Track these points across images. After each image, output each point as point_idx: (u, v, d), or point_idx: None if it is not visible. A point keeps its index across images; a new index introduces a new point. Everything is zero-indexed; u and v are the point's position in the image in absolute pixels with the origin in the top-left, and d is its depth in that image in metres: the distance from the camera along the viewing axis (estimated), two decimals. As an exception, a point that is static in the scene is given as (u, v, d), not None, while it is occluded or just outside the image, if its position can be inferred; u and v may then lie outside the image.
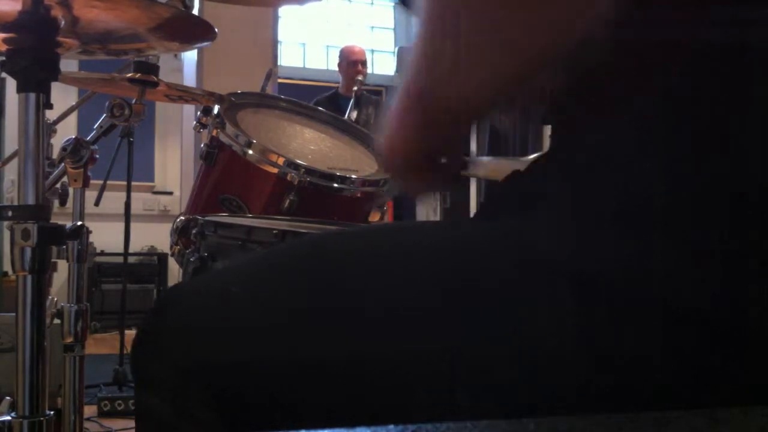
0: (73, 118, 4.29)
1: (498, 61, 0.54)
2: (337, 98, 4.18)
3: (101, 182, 2.95)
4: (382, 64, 6.74)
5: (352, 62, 4.37)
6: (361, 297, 0.55)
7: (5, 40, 1.03)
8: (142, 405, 0.64)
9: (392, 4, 7.01)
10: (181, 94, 1.83)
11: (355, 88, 4.20)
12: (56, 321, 1.31)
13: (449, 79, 0.57)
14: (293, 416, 0.55)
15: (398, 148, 0.64)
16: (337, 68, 4.57)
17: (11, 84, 1.34)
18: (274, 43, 5.01)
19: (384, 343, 0.52)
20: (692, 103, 0.49)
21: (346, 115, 3.68)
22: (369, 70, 4.45)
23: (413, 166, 0.65)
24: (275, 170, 1.58)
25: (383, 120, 0.65)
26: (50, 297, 1.17)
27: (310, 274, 0.59)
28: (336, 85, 4.58)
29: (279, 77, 5.30)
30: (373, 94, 4.63)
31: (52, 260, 1.07)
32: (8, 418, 1.03)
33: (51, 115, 1.27)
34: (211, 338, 0.60)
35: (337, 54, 4.60)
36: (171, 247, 1.62)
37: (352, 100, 4.02)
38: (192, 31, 1.22)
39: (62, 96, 3.87)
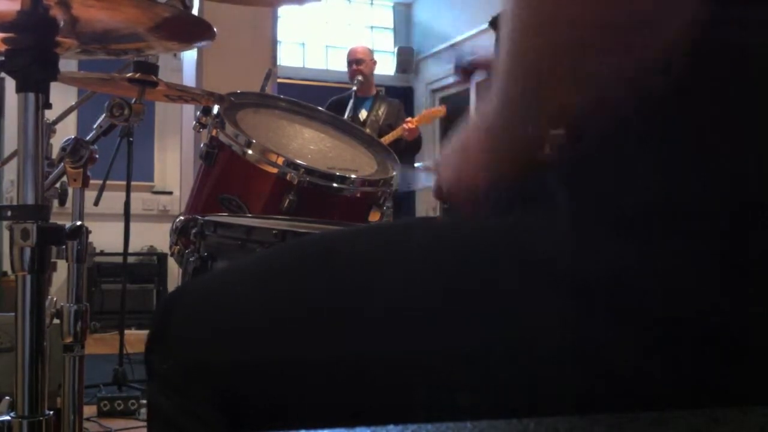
0: (72, 118, 4.28)
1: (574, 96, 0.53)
2: (348, 98, 4.18)
3: (101, 182, 2.95)
4: (382, 64, 6.75)
5: (347, 63, 4.41)
6: (362, 298, 0.55)
7: (4, 40, 1.03)
8: (151, 403, 0.65)
9: (392, 4, 7.01)
10: (180, 94, 1.83)
11: (355, 87, 4.21)
12: (56, 321, 1.31)
13: (528, 117, 0.56)
14: (294, 416, 0.55)
15: (465, 181, 0.63)
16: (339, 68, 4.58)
17: (11, 84, 1.34)
18: (274, 43, 5.01)
19: (384, 343, 0.52)
20: (693, 104, 0.49)
21: (347, 114, 3.69)
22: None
23: (478, 200, 0.64)
24: (275, 170, 1.57)
25: (448, 149, 0.64)
26: (50, 297, 1.17)
27: (311, 276, 0.59)
28: (344, 85, 4.61)
29: (279, 77, 5.30)
30: (385, 95, 4.63)
31: (52, 260, 1.06)
32: (8, 417, 1.03)
33: (50, 115, 1.27)
34: (215, 339, 0.60)
35: (337, 54, 4.61)
36: (170, 247, 1.61)
37: (351, 100, 4.02)
38: (191, 30, 1.22)
39: (62, 96, 3.87)
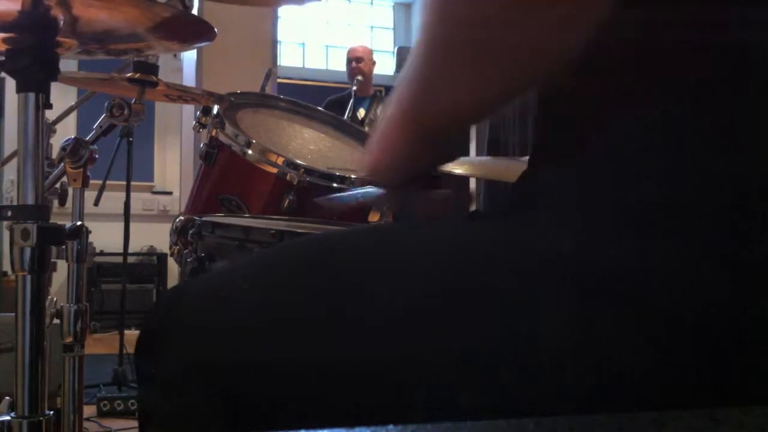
0: (72, 118, 4.29)
1: (491, 75, 0.54)
2: (347, 98, 4.19)
3: (101, 182, 2.95)
4: (382, 64, 6.75)
5: (347, 61, 4.41)
6: (362, 297, 0.55)
7: (5, 40, 1.03)
8: (144, 405, 0.64)
9: (392, 4, 7.01)
10: (180, 94, 1.83)
11: (354, 87, 4.21)
12: (56, 321, 1.31)
13: (442, 94, 0.57)
14: (294, 416, 0.55)
15: (386, 164, 0.65)
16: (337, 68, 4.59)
17: (11, 84, 1.34)
18: (274, 43, 5.01)
19: (384, 343, 0.52)
20: (693, 103, 0.49)
21: (346, 114, 3.69)
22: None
23: (400, 180, 0.67)
24: (274, 170, 1.58)
25: (374, 131, 0.66)
26: (50, 297, 1.17)
27: (311, 275, 0.59)
28: (344, 85, 4.62)
29: (278, 77, 5.30)
30: (383, 95, 4.64)
31: (52, 260, 1.06)
32: (8, 418, 1.03)
33: (50, 115, 1.27)
34: (212, 338, 0.60)
35: (337, 54, 4.62)
36: (170, 247, 1.61)
37: (351, 100, 4.02)
38: (191, 30, 1.22)
39: (62, 96, 3.88)
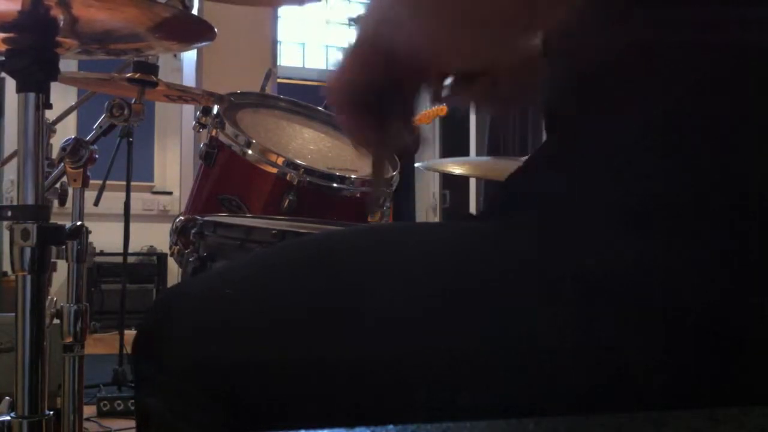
0: (72, 118, 4.28)
1: (461, 17, 0.54)
2: None
3: (101, 182, 2.95)
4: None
5: None
6: (361, 297, 0.55)
7: (5, 40, 1.03)
8: (141, 405, 0.64)
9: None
10: (180, 94, 1.83)
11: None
12: (56, 321, 1.31)
13: (406, 25, 0.57)
14: (293, 416, 0.55)
15: (343, 81, 0.65)
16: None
17: (11, 84, 1.34)
18: (274, 43, 5.01)
19: (384, 343, 0.52)
20: (693, 103, 0.49)
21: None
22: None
23: (356, 104, 0.66)
24: (274, 170, 1.58)
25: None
26: (50, 297, 1.17)
27: (309, 275, 0.59)
28: None
29: (278, 77, 5.30)
30: None
31: (52, 260, 1.06)
32: (8, 418, 1.03)
33: (50, 115, 1.27)
34: (210, 339, 0.60)
35: (337, 54, 4.60)
36: (170, 247, 1.61)
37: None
38: (191, 30, 1.22)
39: (62, 96, 3.87)
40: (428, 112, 4.40)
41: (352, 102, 0.66)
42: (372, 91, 0.64)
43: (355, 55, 0.63)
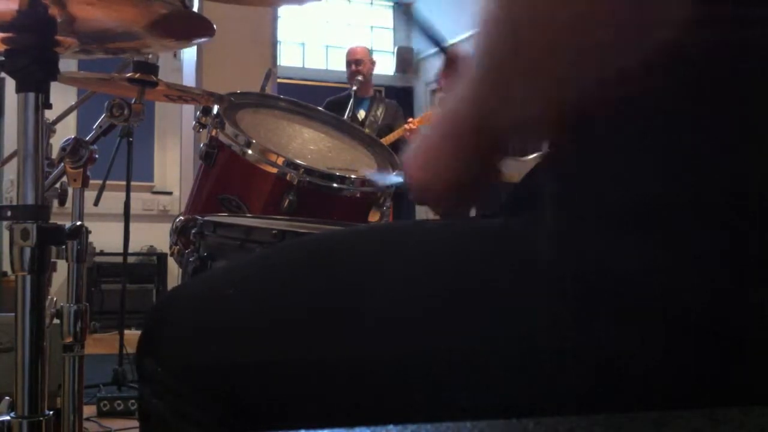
0: (72, 118, 4.29)
1: (550, 92, 0.53)
2: (346, 98, 4.18)
3: (101, 182, 2.95)
4: (382, 64, 6.75)
5: (347, 63, 4.41)
6: (361, 298, 0.55)
7: (4, 40, 1.03)
8: (143, 405, 0.64)
9: (392, 4, 7.01)
10: (180, 94, 1.83)
11: (354, 87, 4.21)
12: (55, 321, 1.31)
13: (499, 109, 0.56)
14: (293, 416, 0.55)
15: (436, 178, 0.63)
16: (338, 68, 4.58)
17: (11, 84, 1.34)
18: (274, 43, 5.01)
19: (383, 343, 0.52)
20: (692, 103, 0.49)
21: (346, 114, 3.69)
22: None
23: (452, 195, 0.64)
24: (274, 170, 1.57)
25: (414, 145, 0.65)
26: (49, 297, 1.17)
27: (310, 276, 0.59)
28: (344, 85, 4.61)
29: (278, 77, 5.30)
30: (383, 96, 4.63)
31: (52, 260, 1.06)
32: (7, 418, 1.03)
33: (50, 115, 1.26)
34: (211, 339, 0.60)
35: (337, 54, 4.61)
36: (170, 247, 1.61)
37: (351, 100, 4.02)
38: (190, 27, 1.22)
39: (61, 96, 3.88)
40: (430, 114, 4.39)
41: (452, 195, 0.64)
42: (469, 177, 0.62)
43: (445, 143, 0.61)
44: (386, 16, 7.05)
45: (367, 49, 4.56)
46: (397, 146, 3.84)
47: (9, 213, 1.03)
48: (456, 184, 0.63)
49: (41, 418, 1.02)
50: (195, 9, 1.43)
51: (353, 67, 4.34)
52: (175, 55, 5.37)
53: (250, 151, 1.60)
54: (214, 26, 1.15)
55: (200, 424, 0.57)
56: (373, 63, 4.49)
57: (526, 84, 0.53)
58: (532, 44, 0.51)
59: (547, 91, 0.53)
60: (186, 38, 1.31)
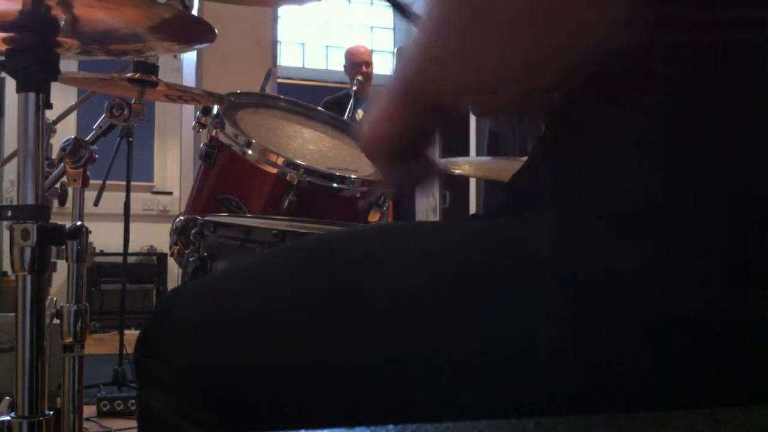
0: (72, 118, 4.28)
1: (497, 59, 0.54)
2: (344, 98, 4.18)
3: (101, 182, 2.95)
4: (382, 64, 6.74)
5: (355, 63, 4.38)
6: (361, 298, 0.55)
7: (5, 40, 1.03)
8: (143, 405, 0.65)
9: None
10: (180, 94, 1.83)
11: (355, 87, 4.21)
12: (56, 321, 1.31)
13: (441, 70, 0.58)
14: (293, 416, 0.55)
15: (380, 137, 0.66)
16: (343, 69, 4.57)
17: (11, 84, 1.34)
18: (274, 43, 5.01)
19: (384, 343, 0.52)
20: (691, 104, 0.49)
21: (346, 114, 3.69)
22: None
23: (395, 155, 0.68)
24: (274, 170, 1.57)
25: (369, 107, 0.67)
26: (50, 297, 1.17)
27: (310, 276, 0.59)
28: (343, 85, 4.60)
29: (278, 77, 5.30)
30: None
31: (52, 260, 1.06)
32: (7, 418, 1.03)
33: (50, 115, 1.27)
34: (212, 340, 0.60)
35: (337, 54, 4.60)
36: (170, 247, 1.61)
37: (351, 100, 4.02)
38: (191, 31, 1.22)
39: (62, 96, 3.87)
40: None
41: (389, 155, 0.68)
42: (403, 140, 0.66)
43: (397, 104, 0.64)
44: (386, 16, 7.05)
45: (369, 50, 4.56)
46: None
47: (9, 213, 1.03)
48: (396, 138, 0.66)
49: (41, 418, 1.02)
50: (195, 9, 1.43)
51: (363, 68, 4.32)
52: (175, 55, 5.38)
53: (250, 151, 1.60)
54: (215, 29, 1.16)
55: (201, 423, 0.57)
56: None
57: (474, 42, 0.54)
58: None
59: (500, 54, 0.54)
60: (187, 42, 1.32)
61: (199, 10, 3.71)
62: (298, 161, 1.58)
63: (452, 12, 0.55)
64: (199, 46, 1.54)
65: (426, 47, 0.58)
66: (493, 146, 4.81)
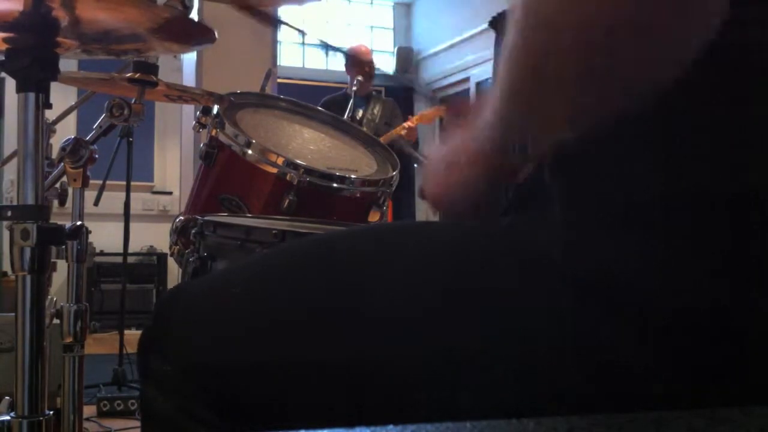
0: (72, 118, 4.28)
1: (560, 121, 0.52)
2: (342, 97, 4.18)
3: (101, 182, 2.95)
4: (382, 65, 6.74)
5: (359, 63, 4.36)
6: (362, 298, 0.55)
7: (5, 40, 1.03)
8: (146, 404, 0.65)
9: (392, 4, 7.01)
10: (180, 94, 1.83)
11: (355, 88, 4.21)
12: (56, 321, 1.31)
13: (524, 128, 0.55)
14: (294, 416, 0.55)
15: (459, 196, 0.63)
16: (344, 69, 4.56)
17: (11, 84, 1.34)
18: (274, 43, 5.01)
19: (384, 343, 0.52)
20: (691, 104, 0.49)
21: (346, 114, 3.68)
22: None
23: (471, 208, 0.64)
24: (274, 170, 1.57)
25: (436, 156, 0.65)
26: (50, 297, 1.17)
27: (311, 276, 0.59)
28: (343, 85, 4.59)
29: (278, 77, 5.30)
30: (379, 94, 4.62)
31: (52, 260, 1.06)
32: (7, 418, 1.03)
33: (50, 114, 1.26)
34: (213, 339, 0.60)
35: (337, 54, 4.59)
36: (170, 247, 1.61)
37: (351, 100, 4.02)
38: (192, 32, 1.22)
39: (62, 96, 3.88)
40: (429, 113, 4.39)
41: (457, 208, 0.65)
42: (471, 194, 0.63)
43: (472, 168, 0.61)
44: (386, 16, 7.05)
45: (370, 49, 4.56)
46: (392, 145, 3.83)
47: (9, 213, 1.03)
48: (476, 200, 0.63)
49: (41, 418, 1.02)
50: (195, 9, 1.43)
51: (367, 69, 4.31)
52: (175, 55, 5.37)
53: (250, 151, 1.60)
54: (215, 30, 1.15)
55: (204, 422, 0.57)
56: None
57: (548, 105, 0.52)
58: (566, 49, 0.49)
59: (579, 97, 0.51)
60: (187, 43, 1.31)
61: (199, 10, 3.71)
62: (298, 161, 1.58)
63: (520, 83, 0.53)
64: (198, 47, 1.54)
65: (505, 104, 0.55)
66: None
